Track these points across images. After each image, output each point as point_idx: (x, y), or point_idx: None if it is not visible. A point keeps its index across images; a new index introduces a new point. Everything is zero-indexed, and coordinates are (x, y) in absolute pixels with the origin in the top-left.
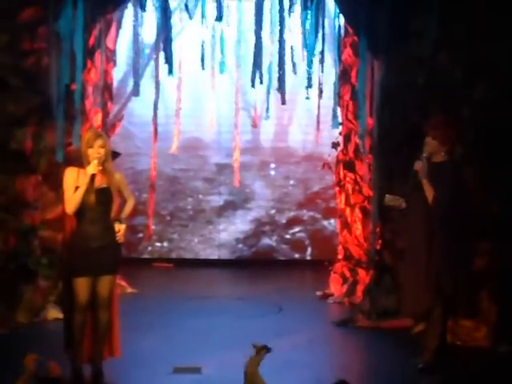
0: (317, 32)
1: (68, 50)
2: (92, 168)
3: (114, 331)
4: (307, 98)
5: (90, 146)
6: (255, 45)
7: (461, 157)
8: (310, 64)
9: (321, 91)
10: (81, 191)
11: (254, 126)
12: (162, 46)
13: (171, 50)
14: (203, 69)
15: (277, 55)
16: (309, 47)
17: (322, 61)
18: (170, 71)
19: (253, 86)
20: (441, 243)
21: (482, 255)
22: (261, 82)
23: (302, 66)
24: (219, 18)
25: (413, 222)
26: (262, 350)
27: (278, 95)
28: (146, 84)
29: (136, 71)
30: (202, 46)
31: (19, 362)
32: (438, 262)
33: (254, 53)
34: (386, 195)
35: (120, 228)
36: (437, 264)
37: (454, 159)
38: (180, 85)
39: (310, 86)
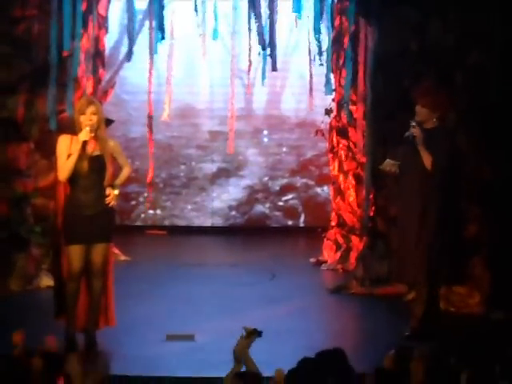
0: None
1: (59, 17)
2: (84, 135)
3: (108, 299)
4: (321, 64)
5: (82, 113)
6: (249, 11)
7: (454, 123)
8: (317, 31)
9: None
10: (73, 158)
11: (248, 92)
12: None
13: (163, 16)
14: (199, 35)
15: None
16: (315, 14)
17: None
18: (162, 37)
19: (264, 49)
20: (436, 208)
21: (474, 221)
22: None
23: (294, 33)
24: None
25: (407, 188)
26: (253, 333)
27: (269, 62)
28: (138, 51)
29: (130, 36)
30: (196, 11)
31: (12, 330)
32: (430, 228)
33: (248, 19)
34: (387, 159)
35: (111, 192)
36: (429, 231)
37: (447, 125)
38: (172, 52)
39: (320, 53)
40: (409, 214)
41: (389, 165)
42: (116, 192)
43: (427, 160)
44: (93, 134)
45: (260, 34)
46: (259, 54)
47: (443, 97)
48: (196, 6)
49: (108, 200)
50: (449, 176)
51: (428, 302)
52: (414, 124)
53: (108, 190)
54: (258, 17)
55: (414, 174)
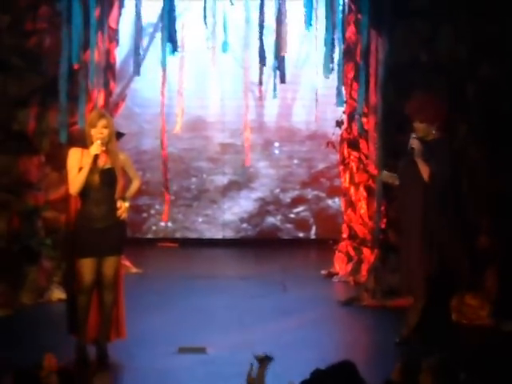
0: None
1: (69, 30)
2: (95, 148)
3: (119, 312)
4: (327, 77)
5: (93, 126)
6: (259, 24)
7: (464, 134)
8: (329, 45)
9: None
10: (84, 172)
11: (259, 104)
12: (165, 24)
13: (175, 29)
14: (208, 48)
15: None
16: (327, 26)
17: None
18: (174, 50)
19: (264, 64)
20: (435, 219)
21: (487, 232)
22: (264, 64)
23: (305, 46)
24: None
25: (407, 200)
26: (266, 360)
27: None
28: (150, 63)
29: (137, 50)
30: (205, 24)
31: (23, 343)
32: (429, 238)
33: (259, 32)
34: (383, 171)
35: (122, 205)
36: (428, 241)
37: (446, 136)
38: (183, 64)
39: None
40: (410, 223)
41: (386, 176)
42: (127, 204)
43: (425, 172)
44: (104, 148)
45: (261, 48)
46: (264, 65)
47: (437, 108)
48: (205, 18)
49: (119, 213)
50: (449, 187)
51: (423, 312)
52: (414, 136)
53: (119, 203)
54: (261, 29)
55: (413, 185)
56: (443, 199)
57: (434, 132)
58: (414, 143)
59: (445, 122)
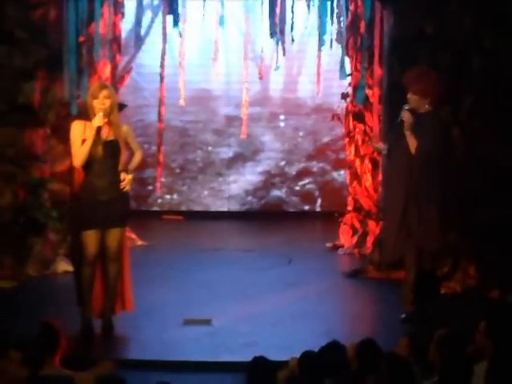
0: None
1: (75, 2)
2: (97, 120)
3: (125, 284)
4: (319, 48)
5: (95, 97)
6: None
7: (469, 106)
8: (325, 14)
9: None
10: (87, 144)
11: (261, 77)
12: None
13: (176, 1)
14: (203, 19)
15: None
16: None
17: (331, 11)
18: (176, 23)
19: (271, 36)
20: (421, 192)
21: (489, 205)
22: (271, 36)
23: (311, 18)
24: None
25: (394, 171)
26: None
27: (287, 46)
28: (155, 36)
29: (138, 22)
30: None
31: (29, 315)
32: (413, 210)
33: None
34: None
35: (126, 177)
36: (412, 213)
37: (437, 109)
38: (184, 37)
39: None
40: (395, 194)
41: (374, 144)
42: (130, 177)
43: (412, 144)
44: (106, 119)
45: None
46: (271, 36)
47: (433, 82)
48: None
49: (123, 185)
50: (437, 161)
51: (416, 284)
52: (406, 108)
53: (122, 175)
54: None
55: (401, 157)
56: (430, 172)
57: (426, 106)
58: (405, 115)
59: (438, 97)
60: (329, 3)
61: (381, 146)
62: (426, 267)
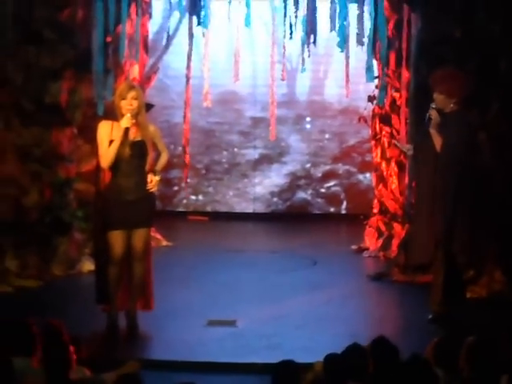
0: None
1: (103, 3)
2: (126, 121)
3: (148, 284)
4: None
5: (123, 98)
6: None
7: (496, 110)
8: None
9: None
10: (115, 145)
11: (283, 79)
12: None
13: (202, 2)
14: (229, 20)
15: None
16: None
17: (361, 13)
18: (198, 23)
19: (290, 37)
20: (444, 190)
21: None
22: (290, 38)
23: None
24: None
25: (422, 171)
26: None
27: (313, 49)
28: (183, 36)
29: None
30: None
31: (55, 315)
32: (441, 211)
33: (287, 5)
34: (395, 140)
35: (153, 179)
36: (440, 214)
37: (463, 110)
38: (208, 38)
39: (361, 41)
40: (423, 194)
41: (399, 145)
42: (158, 178)
43: (438, 143)
44: (134, 120)
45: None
46: (290, 38)
47: (459, 83)
48: None
49: (150, 186)
50: (463, 161)
51: (445, 285)
52: (433, 107)
53: (149, 177)
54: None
55: (427, 157)
56: (457, 173)
57: (451, 106)
58: (433, 113)
59: (465, 98)
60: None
61: (406, 146)
62: (456, 268)
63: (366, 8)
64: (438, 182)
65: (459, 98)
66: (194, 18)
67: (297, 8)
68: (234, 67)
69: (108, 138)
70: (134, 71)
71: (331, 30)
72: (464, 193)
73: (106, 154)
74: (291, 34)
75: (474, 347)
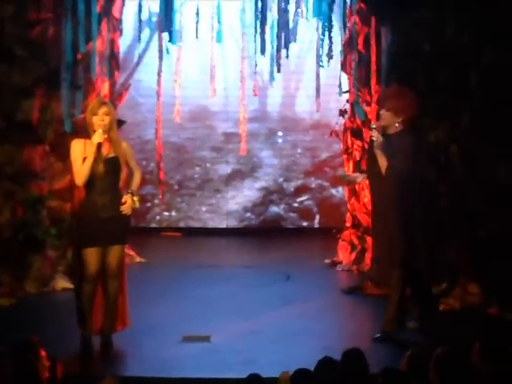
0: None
1: (72, 20)
2: (97, 137)
3: (123, 301)
4: (321, 65)
5: (95, 114)
6: (257, 12)
7: (468, 122)
8: (324, 32)
9: (329, 58)
10: (89, 162)
11: (255, 94)
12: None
13: (171, 18)
14: (197, 37)
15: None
16: (322, 15)
17: (329, 28)
18: (170, 40)
19: (262, 53)
20: (393, 212)
21: (488, 222)
22: (262, 53)
23: (307, 34)
24: None
25: (373, 192)
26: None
27: (284, 64)
28: (154, 53)
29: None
30: (197, 14)
31: (28, 332)
32: (395, 230)
33: (258, 20)
34: (339, 170)
35: (127, 200)
36: (394, 233)
37: (411, 130)
38: (180, 55)
39: (329, 55)
40: (375, 217)
41: (343, 177)
42: (135, 198)
43: (382, 164)
44: (106, 136)
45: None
46: (261, 53)
47: (409, 102)
48: (198, 9)
49: (123, 208)
50: (410, 181)
51: (400, 303)
52: (374, 127)
53: (124, 198)
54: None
55: (375, 177)
56: (403, 192)
57: (397, 125)
58: (374, 134)
59: (411, 118)
60: (327, 20)
61: (354, 175)
62: (415, 284)
63: (335, 23)
64: (388, 204)
65: (406, 117)
66: (165, 35)
67: (265, 24)
68: (211, 83)
69: (81, 155)
70: (105, 88)
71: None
72: (413, 212)
73: (80, 171)
74: (263, 49)
75: (442, 358)
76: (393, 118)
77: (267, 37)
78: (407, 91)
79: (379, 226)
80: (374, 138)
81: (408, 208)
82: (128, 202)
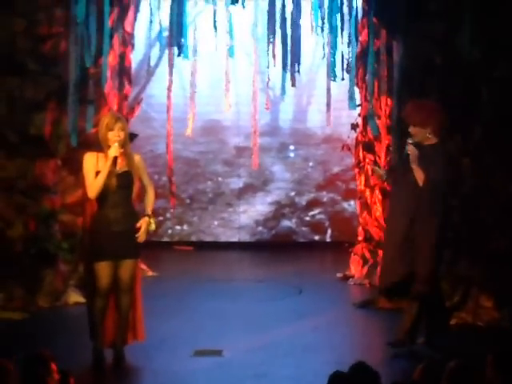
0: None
1: (84, 34)
2: (114, 151)
3: (137, 315)
4: (342, 79)
5: (111, 129)
6: (269, 26)
7: (479, 136)
8: (335, 46)
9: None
10: (103, 175)
11: (267, 108)
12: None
13: (181, 32)
14: (216, 50)
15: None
16: (334, 29)
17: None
18: (180, 53)
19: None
20: (425, 224)
21: (502, 235)
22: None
23: (319, 48)
24: (234, 0)
25: (399, 200)
26: None
27: (297, 76)
28: (166, 67)
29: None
30: (215, 29)
31: (40, 347)
32: (417, 242)
33: (269, 34)
34: (375, 167)
35: (143, 224)
36: (415, 244)
37: (442, 141)
38: (195, 68)
39: (343, 68)
40: (395, 223)
41: (376, 171)
42: (152, 222)
43: (420, 178)
44: (122, 150)
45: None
46: (283, 69)
47: (429, 111)
48: (215, 23)
49: (139, 234)
50: (441, 193)
51: (418, 315)
52: (410, 142)
53: (141, 222)
54: (272, 33)
55: (406, 191)
56: (435, 204)
57: (429, 136)
58: (410, 149)
59: (441, 126)
60: (339, 33)
61: (381, 171)
62: (416, 294)
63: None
64: (418, 211)
65: (434, 127)
66: (175, 49)
67: (274, 37)
68: (225, 96)
69: (94, 169)
70: (116, 102)
71: (323, 58)
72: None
73: (94, 184)
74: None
75: (455, 371)
76: (421, 131)
77: (278, 51)
78: (426, 103)
79: (393, 231)
80: (410, 152)
81: (445, 219)
82: (143, 227)
